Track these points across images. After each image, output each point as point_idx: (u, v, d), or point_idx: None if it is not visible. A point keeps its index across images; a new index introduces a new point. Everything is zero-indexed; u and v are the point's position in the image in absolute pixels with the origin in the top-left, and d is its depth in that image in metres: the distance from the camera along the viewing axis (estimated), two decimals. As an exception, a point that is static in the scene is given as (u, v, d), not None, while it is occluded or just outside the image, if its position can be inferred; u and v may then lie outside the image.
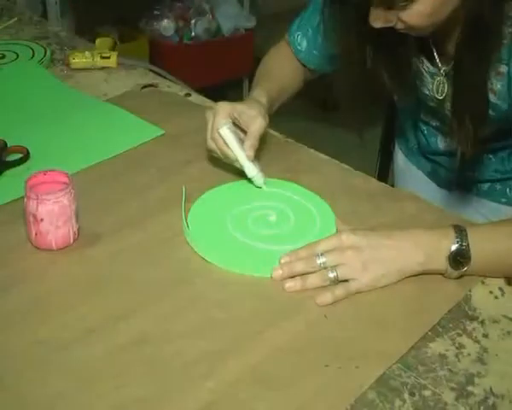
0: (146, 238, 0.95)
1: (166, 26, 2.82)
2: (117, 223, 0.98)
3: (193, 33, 2.92)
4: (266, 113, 1.06)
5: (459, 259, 0.85)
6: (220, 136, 1.01)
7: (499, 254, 0.87)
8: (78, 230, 0.94)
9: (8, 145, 1.13)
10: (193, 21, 2.89)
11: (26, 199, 0.91)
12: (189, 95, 1.36)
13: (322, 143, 1.35)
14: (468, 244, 0.85)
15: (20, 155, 1.11)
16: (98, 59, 1.45)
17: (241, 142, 1.02)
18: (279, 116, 1.20)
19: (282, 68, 1.22)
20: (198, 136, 1.12)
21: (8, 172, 1.08)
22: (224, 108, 1.02)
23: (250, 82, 1.36)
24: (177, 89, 1.39)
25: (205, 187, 1.04)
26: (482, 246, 0.86)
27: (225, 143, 1.01)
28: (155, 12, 2.86)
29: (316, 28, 1.18)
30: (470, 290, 0.87)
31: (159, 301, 0.84)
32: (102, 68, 1.45)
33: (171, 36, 2.88)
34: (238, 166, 1.03)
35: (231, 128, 1.02)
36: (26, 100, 1.32)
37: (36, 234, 0.91)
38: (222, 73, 2.98)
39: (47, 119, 1.25)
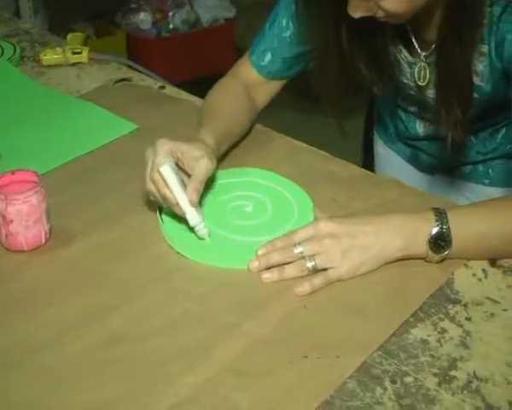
0: (121, 235, 0.93)
1: (143, 19, 2.79)
2: (91, 221, 0.96)
3: (171, 25, 2.89)
4: (213, 155, 0.96)
5: (440, 242, 0.84)
6: (160, 175, 0.89)
7: (480, 236, 0.85)
8: (50, 229, 0.92)
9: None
10: (171, 13, 2.86)
11: None
12: (163, 87, 1.34)
13: (308, 134, 1.33)
14: (448, 227, 0.83)
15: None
16: (69, 55, 1.42)
17: (185, 186, 0.91)
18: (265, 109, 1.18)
19: (230, 106, 1.10)
20: (172, 129, 1.11)
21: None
22: (165, 145, 0.91)
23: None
24: (152, 82, 1.36)
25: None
26: (463, 228, 0.84)
27: (166, 185, 0.89)
28: (132, 5, 2.82)
29: (281, 36, 1.11)
30: (453, 274, 0.85)
31: (135, 298, 0.83)
32: (74, 64, 1.43)
33: (148, 29, 2.84)
34: (179, 212, 0.90)
35: (173, 168, 0.90)
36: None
37: (6, 235, 0.89)
38: (203, 65, 2.94)
39: (18, 117, 1.22)
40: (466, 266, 0.87)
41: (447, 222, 0.83)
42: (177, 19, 2.87)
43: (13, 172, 0.93)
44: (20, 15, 2.34)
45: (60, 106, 1.25)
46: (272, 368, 0.72)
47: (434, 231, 0.83)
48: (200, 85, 1.15)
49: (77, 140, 1.15)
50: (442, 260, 0.85)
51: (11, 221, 0.88)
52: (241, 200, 0.99)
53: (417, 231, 0.84)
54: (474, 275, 0.85)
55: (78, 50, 1.43)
